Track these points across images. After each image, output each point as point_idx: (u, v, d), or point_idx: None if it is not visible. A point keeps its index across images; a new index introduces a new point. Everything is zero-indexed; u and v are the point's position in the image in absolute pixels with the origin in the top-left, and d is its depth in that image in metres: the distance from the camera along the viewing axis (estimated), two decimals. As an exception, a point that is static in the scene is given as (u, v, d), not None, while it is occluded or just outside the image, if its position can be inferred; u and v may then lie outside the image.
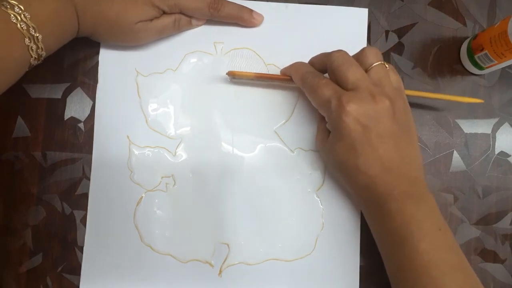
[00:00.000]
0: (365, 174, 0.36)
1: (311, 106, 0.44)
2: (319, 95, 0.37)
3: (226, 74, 0.42)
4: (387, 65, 0.38)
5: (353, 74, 0.36)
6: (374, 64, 0.37)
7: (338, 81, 0.37)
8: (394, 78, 0.38)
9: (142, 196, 0.42)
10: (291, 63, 0.44)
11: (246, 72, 0.42)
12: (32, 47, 0.35)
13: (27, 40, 0.34)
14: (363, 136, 0.35)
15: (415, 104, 0.44)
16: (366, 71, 0.37)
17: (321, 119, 0.40)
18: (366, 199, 0.38)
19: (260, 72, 0.43)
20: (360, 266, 0.42)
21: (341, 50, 0.38)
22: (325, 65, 0.39)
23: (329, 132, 0.38)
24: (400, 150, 0.36)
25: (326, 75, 0.39)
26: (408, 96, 0.39)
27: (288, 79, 0.41)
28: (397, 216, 0.35)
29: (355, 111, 0.35)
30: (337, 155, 0.37)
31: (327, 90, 0.36)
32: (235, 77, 0.42)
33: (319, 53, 0.44)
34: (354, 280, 0.42)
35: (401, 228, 0.35)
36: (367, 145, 0.35)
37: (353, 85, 0.36)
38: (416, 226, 0.35)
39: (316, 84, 0.37)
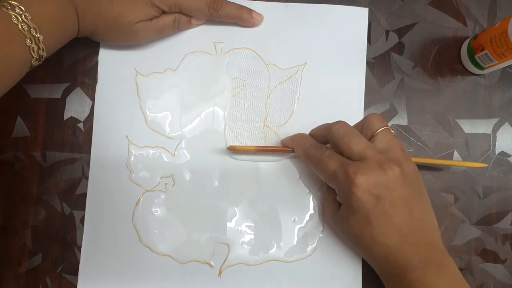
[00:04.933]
0: (383, 245, 0.35)
1: (311, 106, 0.44)
2: (325, 169, 0.36)
3: (227, 148, 0.42)
4: (392, 130, 0.37)
5: (357, 144, 0.35)
6: (380, 130, 0.37)
7: (342, 153, 0.36)
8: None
9: (141, 197, 0.42)
10: (291, 63, 0.44)
11: (247, 146, 0.42)
12: (33, 47, 0.35)
13: (28, 41, 0.34)
14: (376, 207, 0.34)
15: (415, 105, 0.44)
16: (372, 136, 0.37)
17: (327, 189, 0.40)
18: (385, 270, 0.37)
19: (260, 145, 0.43)
20: (362, 267, 0.42)
21: (340, 121, 0.37)
22: (326, 138, 0.38)
23: (339, 203, 0.38)
24: (415, 216, 0.35)
25: (329, 145, 0.39)
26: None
27: (290, 151, 0.41)
28: (419, 286, 0.34)
29: (365, 182, 0.34)
30: (351, 228, 0.36)
31: (332, 162, 0.36)
32: (235, 151, 0.42)
33: (318, 53, 0.44)
34: (356, 281, 0.42)
35: None
36: (382, 215, 0.34)
37: (358, 156, 0.35)
38: None
39: (320, 158, 0.37)
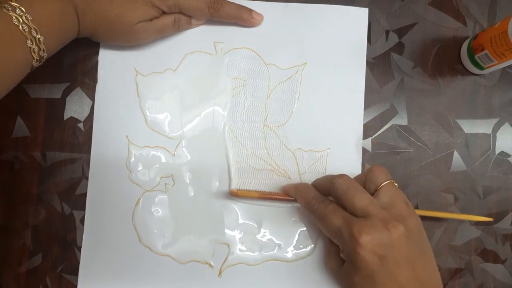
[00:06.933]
0: None
1: (311, 106, 0.44)
2: (328, 225, 0.36)
3: (229, 193, 0.42)
4: (396, 184, 0.37)
5: (361, 200, 0.35)
6: (384, 183, 0.36)
7: (346, 208, 0.36)
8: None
9: (140, 197, 0.42)
10: (291, 63, 0.44)
11: (250, 192, 0.42)
12: (34, 49, 0.35)
13: (29, 42, 0.34)
14: (380, 267, 0.34)
15: (415, 105, 0.44)
16: (376, 190, 0.37)
17: (330, 244, 0.39)
18: None
19: (263, 191, 0.42)
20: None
21: (343, 175, 0.37)
22: (329, 189, 0.38)
23: (342, 259, 0.37)
24: (418, 272, 0.35)
25: None
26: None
27: (293, 201, 0.41)
28: None
29: (369, 242, 0.34)
30: (355, 286, 0.36)
31: (336, 218, 0.36)
32: (238, 196, 0.42)
33: (318, 53, 0.44)
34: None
35: None
36: (386, 274, 0.34)
37: (362, 213, 0.35)
38: None
39: (323, 212, 0.37)
